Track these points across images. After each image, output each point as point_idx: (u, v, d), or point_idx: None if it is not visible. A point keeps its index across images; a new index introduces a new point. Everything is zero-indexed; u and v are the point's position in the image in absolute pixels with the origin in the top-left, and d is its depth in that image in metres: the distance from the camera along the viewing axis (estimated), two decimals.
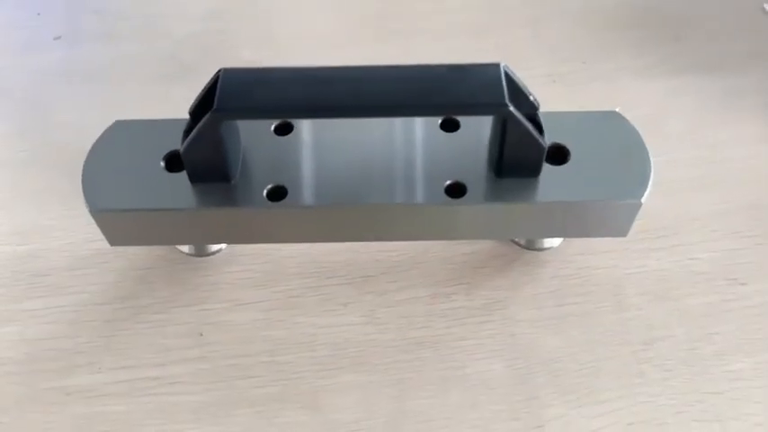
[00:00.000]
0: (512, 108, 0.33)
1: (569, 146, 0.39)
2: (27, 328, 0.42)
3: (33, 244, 0.45)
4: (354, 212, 0.37)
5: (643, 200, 0.37)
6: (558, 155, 0.39)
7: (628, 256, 0.44)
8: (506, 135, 0.35)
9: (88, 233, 0.45)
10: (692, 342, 0.40)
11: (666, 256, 0.44)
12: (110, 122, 0.42)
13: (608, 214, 0.38)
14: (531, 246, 0.44)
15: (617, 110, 0.40)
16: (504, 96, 0.33)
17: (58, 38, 0.58)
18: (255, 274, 0.44)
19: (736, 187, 0.47)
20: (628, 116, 0.41)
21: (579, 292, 0.43)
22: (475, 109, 0.34)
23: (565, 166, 0.38)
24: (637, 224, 0.40)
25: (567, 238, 0.44)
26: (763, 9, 0.58)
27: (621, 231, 0.39)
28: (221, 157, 0.36)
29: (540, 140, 0.35)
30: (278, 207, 0.37)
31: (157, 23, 0.59)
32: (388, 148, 0.39)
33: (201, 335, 0.41)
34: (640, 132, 0.39)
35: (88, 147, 0.41)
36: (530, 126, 0.34)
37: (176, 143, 0.37)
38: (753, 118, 0.51)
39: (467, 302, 0.42)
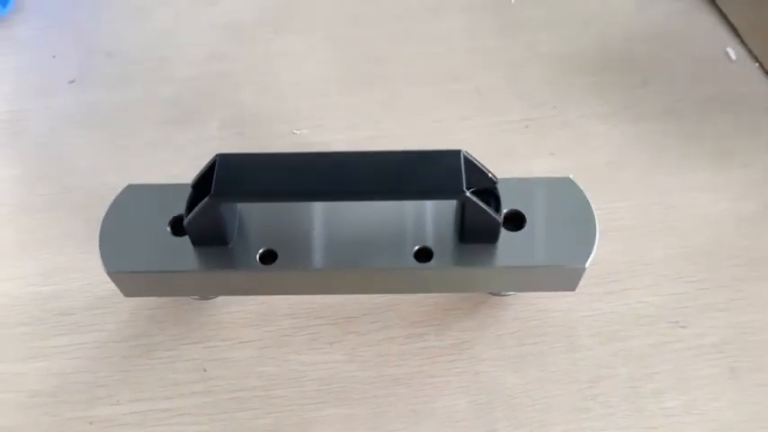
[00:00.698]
0: (468, 194, 0.38)
1: (525, 212, 0.44)
2: (54, 363, 0.48)
3: (56, 285, 0.51)
4: (335, 274, 0.43)
5: (587, 264, 0.42)
6: (516, 220, 0.44)
7: (583, 300, 0.49)
8: (465, 212, 0.40)
9: (103, 275, 0.50)
10: (633, 381, 0.46)
11: (617, 300, 0.49)
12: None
13: (557, 275, 0.43)
14: (496, 292, 0.49)
15: (570, 177, 0.45)
16: (461, 184, 0.38)
17: (72, 81, 0.63)
18: (251, 314, 0.49)
19: (686, 233, 0.52)
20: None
21: (537, 333, 0.48)
22: (436, 195, 0.40)
23: (521, 231, 0.43)
24: (593, 269, 0.45)
25: None
26: (726, 53, 0.61)
27: (570, 287, 0.44)
28: (219, 228, 0.42)
29: (495, 217, 0.40)
30: (269, 270, 0.42)
31: (166, 67, 0.63)
32: (367, 215, 0.44)
33: (205, 370, 0.47)
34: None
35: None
36: (485, 207, 0.40)
37: (181, 207, 0.42)
38: (707, 165, 0.55)
39: (437, 342, 0.48)
